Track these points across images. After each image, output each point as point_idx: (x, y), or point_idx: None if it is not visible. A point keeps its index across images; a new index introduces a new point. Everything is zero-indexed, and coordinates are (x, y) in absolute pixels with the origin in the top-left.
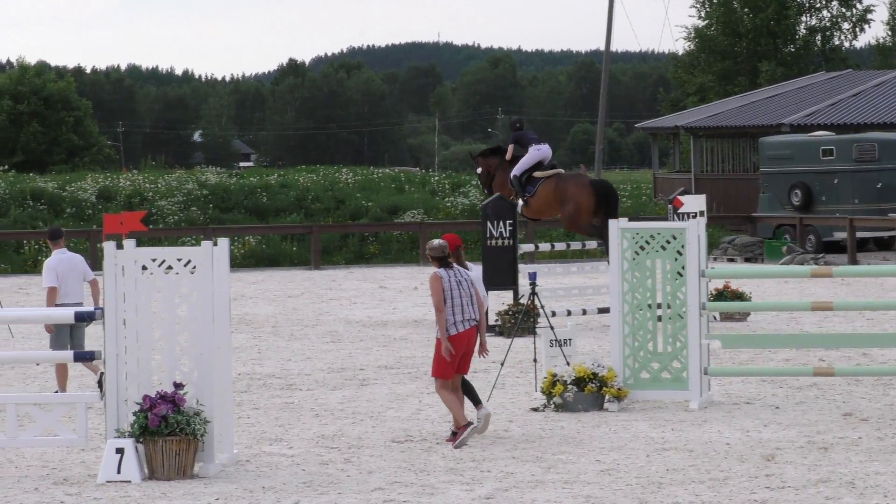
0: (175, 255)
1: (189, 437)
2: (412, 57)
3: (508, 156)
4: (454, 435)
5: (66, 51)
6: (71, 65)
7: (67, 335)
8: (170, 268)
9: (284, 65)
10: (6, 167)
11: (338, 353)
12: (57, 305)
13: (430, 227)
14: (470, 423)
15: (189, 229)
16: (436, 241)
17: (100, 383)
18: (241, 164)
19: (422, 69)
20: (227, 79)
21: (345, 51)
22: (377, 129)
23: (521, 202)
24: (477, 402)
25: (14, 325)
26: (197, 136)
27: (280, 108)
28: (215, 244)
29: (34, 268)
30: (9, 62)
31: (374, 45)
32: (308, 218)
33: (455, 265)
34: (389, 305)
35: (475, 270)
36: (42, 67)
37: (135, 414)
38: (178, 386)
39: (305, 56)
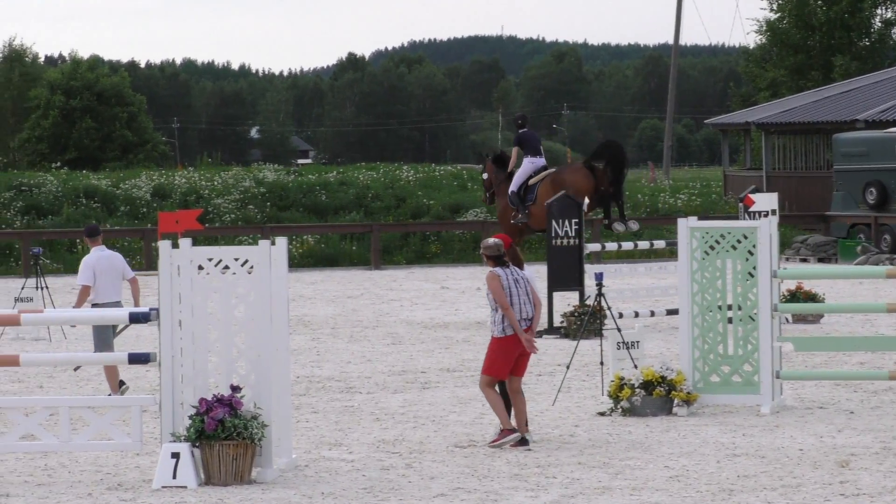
0: (232, 254)
1: (246, 441)
2: (475, 51)
3: (511, 163)
4: (499, 435)
5: (120, 44)
6: (125, 59)
7: (111, 335)
8: (226, 267)
9: (344, 59)
10: (59, 164)
11: (398, 355)
12: (93, 305)
13: (493, 226)
14: (514, 431)
15: (246, 228)
16: (490, 240)
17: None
18: (300, 161)
19: (485, 63)
20: (285, 73)
21: (406, 44)
22: (439, 126)
23: (520, 217)
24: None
25: (67, 326)
26: (254, 133)
27: (339, 104)
28: (273, 243)
29: None
30: (61, 56)
31: (435, 39)
32: (368, 216)
33: (511, 264)
34: (451, 306)
35: (528, 272)
36: (95, 62)
37: (191, 417)
38: (235, 389)
39: (365, 50)
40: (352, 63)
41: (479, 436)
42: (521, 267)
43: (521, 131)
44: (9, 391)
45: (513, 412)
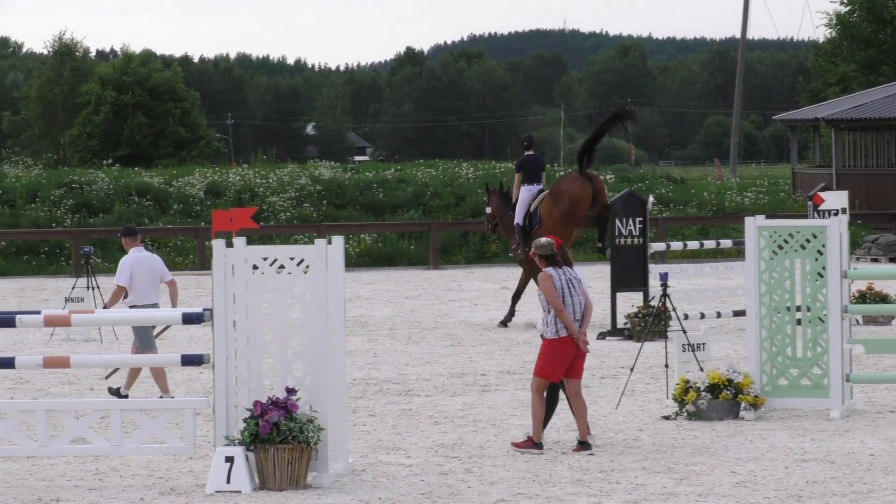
0: (287, 253)
1: (302, 445)
2: (536, 45)
3: (514, 191)
4: (525, 441)
5: (173, 39)
6: (178, 53)
7: (152, 336)
8: (282, 267)
9: (402, 53)
10: (110, 161)
11: (458, 357)
12: (130, 307)
13: None
14: (540, 447)
15: (302, 227)
16: (542, 239)
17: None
18: (356, 157)
19: (546, 58)
20: (342, 68)
21: (465, 38)
22: (499, 122)
23: (520, 252)
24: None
25: (119, 326)
26: (310, 129)
27: (397, 100)
28: (329, 242)
29: None
30: (112, 51)
31: (496, 33)
32: (426, 215)
33: (563, 264)
34: (513, 307)
35: (578, 273)
36: (147, 56)
37: (245, 421)
38: (290, 391)
39: (424, 44)
40: (410, 57)
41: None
42: (569, 264)
43: (525, 154)
44: (59, 393)
45: (553, 416)
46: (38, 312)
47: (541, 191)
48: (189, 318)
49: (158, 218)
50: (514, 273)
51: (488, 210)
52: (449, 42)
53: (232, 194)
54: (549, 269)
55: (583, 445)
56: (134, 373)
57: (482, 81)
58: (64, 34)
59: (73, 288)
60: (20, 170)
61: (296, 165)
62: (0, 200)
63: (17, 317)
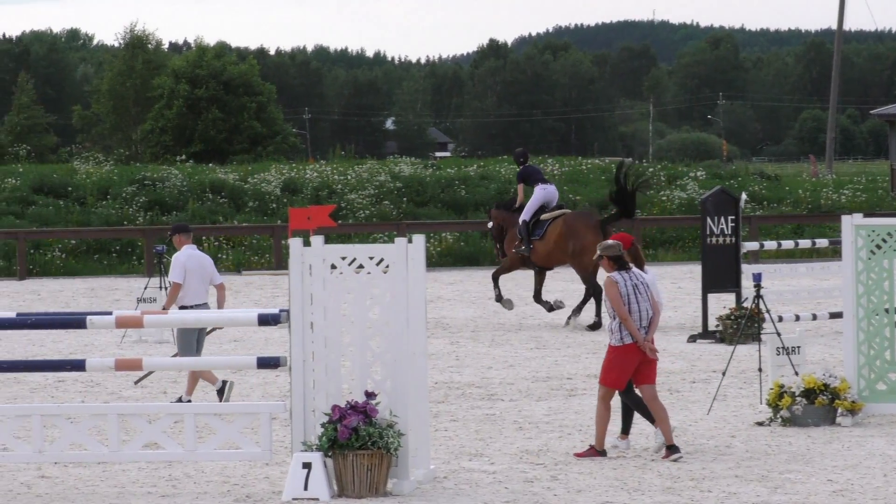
0: (366, 252)
1: (382, 451)
2: (624, 36)
3: (519, 199)
4: (588, 449)
5: (249, 31)
6: (253, 46)
7: (195, 338)
8: (361, 267)
9: (485, 45)
10: (183, 157)
11: (543, 360)
12: (180, 307)
13: (645, 223)
14: (603, 455)
15: (381, 225)
16: (609, 241)
17: (220, 391)
18: (438, 153)
19: (635, 50)
20: (423, 61)
21: (550, 30)
22: (585, 116)
23: (523, 248)
24: (626, 430)
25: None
26: (389, 124)
27: (480, 93)
28: (410, 241)
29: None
30: (186, 43)
31: (582, 24)
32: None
33: (632, 267)
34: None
35: (650, 273)
36: (222, 49)
37: (323, 426)
38: (369, 395)
39: (507, 36)
40: (493, 50)
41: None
42: (641, 267)
43: (522, 167)
44: (131, 397)
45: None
46: (110, 313)
47: (559, 207)
48: (265, 320)
49: (233, 216)
50: (602, 273)
51: (489, 225)
52: (534, 34)
53: (309, 191)
54: (615, 275)
55: (671, 450)
56: (194, 378)
57: (568, 74)
58: (135, 25)
59: (145, 288)
60: (91, 166)
61: (375, 161)
62: (70, 198)
63: (88, 318)
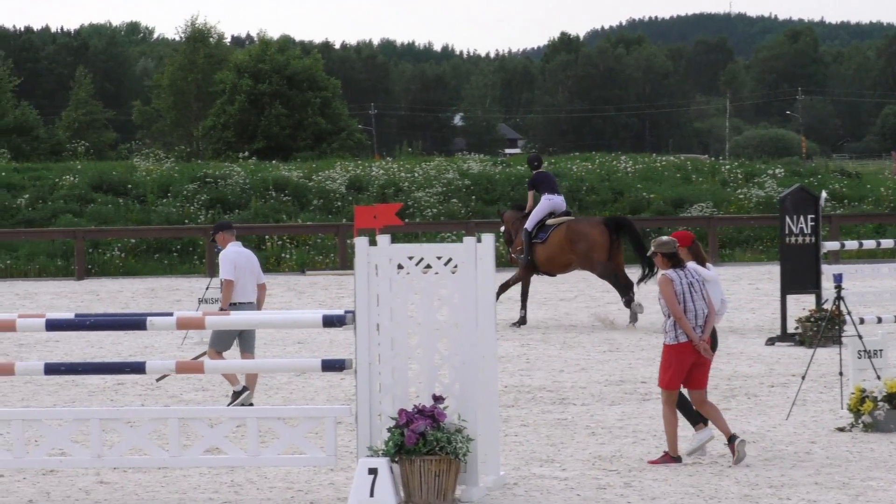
0: (434, 252)
1: (450, 456)
2: (700, 30)
3: (529, 205)
4: (662, 455)
5: (313, 24)
6: (318, 39)
7: (233, 337)
8: (428, 267)
9: (556, 39)
10: (246, 154)
11: (616, 363)
12: (230, 304)
13: (720, 221)
14: (678, 461)
15: (449, 224)
16: (664, 237)
17: (237, 394)
18: (507, 150)
19: (711, 44)
20: (492, 55)
21: (624, 23)
22: (660, 112)
23: (522, 256)
24: (696, 420)
25: (257, 329)
26: (458, 120)
27: (551, 88)
28: (479, 240)
29: (277, 266)
30: (248, 36)
31: (656, 17)
32: (582, 211)
33: (687, 264)
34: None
35: (712, 269)
36: (286, 42)
37: (389, 430)
38: (437, 399)
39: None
40: (565, 43)
41: (706, 455)
42: (703, 265)
43: (535, 172)
44: (192, 400)
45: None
46: (171, 314)
47: (565, 212)
48: (330, 321)
49: (297, 214)
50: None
51: (502, 229)
52: (606, 27)
53: (375, 189)
54: (671, 273)
55: (732, 440)
56: (230, 379)
57: (642, 69)
58: (197, 18)
59: (207, 288)
60: (151, 163)
61: (443, 158)
62: (130, 196)
63: (148, 319)
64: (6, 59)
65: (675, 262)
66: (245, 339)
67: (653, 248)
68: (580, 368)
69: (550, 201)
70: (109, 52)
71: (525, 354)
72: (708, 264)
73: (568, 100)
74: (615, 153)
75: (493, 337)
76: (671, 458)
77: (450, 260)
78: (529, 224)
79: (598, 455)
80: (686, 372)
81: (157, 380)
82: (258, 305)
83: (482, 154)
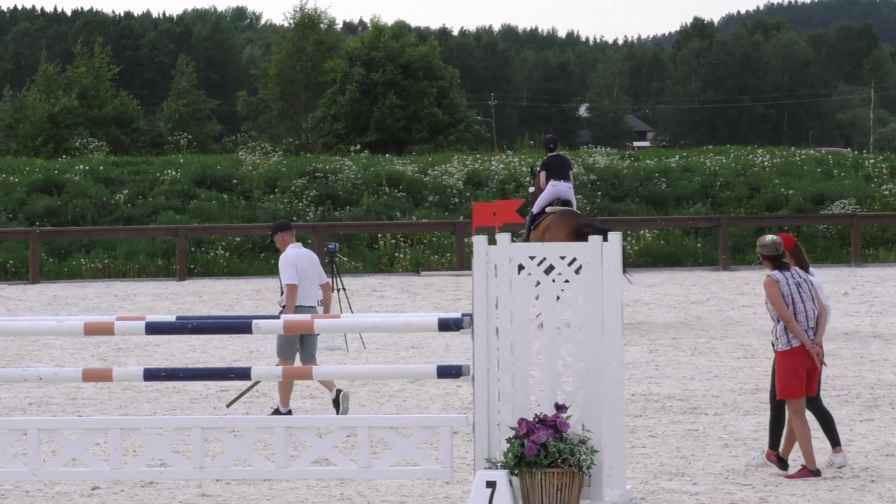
0: (557, 251)
1: (573, 469)
2: (843, 15)
3: (538, 186)
4: (800, 469)
5: (430, 9)
6: (434, 25)
7: (297, 343)
8: (551, 267)
9: (688, 25)
10: (357, 147)
11: (752, 370)
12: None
13: (864, 219)
14: (818, 475)
15: None
16: (768, 238)
17: (336, 402)
18: (636, 143)
19: (854, 30)
20: (620, 42)
21: (761, 7)
22: (799, 102)
23: (521, 240)
24: (835, 442)
25: (367, 333)
26: (583, 111)
27: (683, 77)
28: (605, 239)
29: (390, 266)
30: (361, 22)
31: (796, 1)
32: (715, 209)
33: (792, 267)
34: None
35: (817, 275)
36: (400, 29)
37: (509, 441)
38: (559, 408)
39: (713, 14)
40: (698, 29)
41: (845, 467)
42: (806, 270)
43: (549, 155)
44: (300, 408)
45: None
46: (278, 317)
47: (566, 202)
48: (446, 325)
49: (412, 211)
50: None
51: (532, 189)
52: (742, 12)
53: (495, 184)
54: (776, 273)
55: (782, 462)
56: (287, 387)
57: (780, 56)
58: (306, 4)
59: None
60: (258, 157)
61: (567, 152)
62: (235, 191)
63: (254, 322)
64: (105, 47)
65: (778, 264)
66: (306, 347)
67: (757, 249)
68: (712, 376)
69: (555, 187)
70: (213, 38)
71: (653, 360)
72: (811, 269)
73: (701, 89)
74: (751, 146)
75: (619, 342)
76: (810, 471)
77: (574, 260)
78: (536, 208)
79: (731, 468)
80: (805, 376)
81: (228, 405)
82: (325, 306)
83: (609, 147)
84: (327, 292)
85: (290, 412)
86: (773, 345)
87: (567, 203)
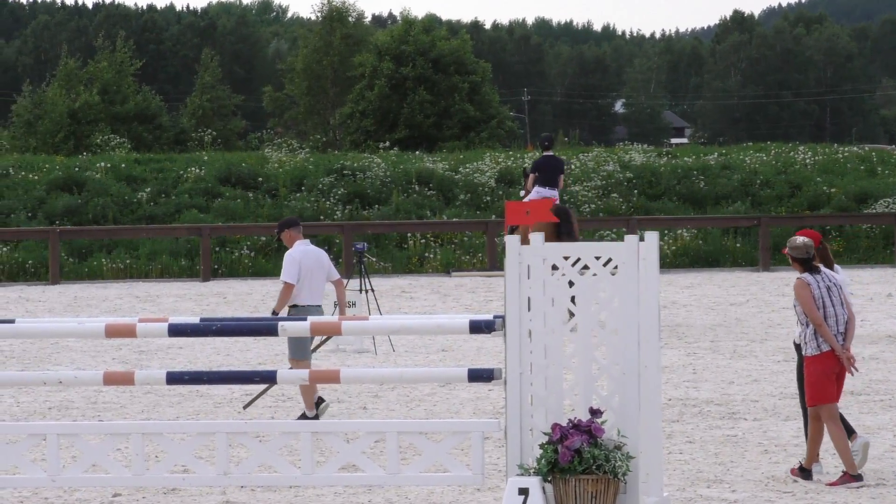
0: (592, 251)
1: (608, 475)
2: (887, 7)
3: (527, 188)
4: (842, 476)
5: (461, 2)
6: (466, 19)
7: (309, 343)
8: (586, 268)
9: (728, 18)
10: (387, 144)
11: (792, 374)
12: (292, 308)
13: None
14: (859, 479)
15: (609, 220)
16: (798, 239)
17: (315, 404)
18: (673, 140)
19: None
20: (657, 35)
21: (803, 0)
22: (842, 98)
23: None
24: (849, 430)
25: (396, 336)
26: (619, 106)
27: (722, 72)
28: (642, 239)
29: (420, 266)
30: (391, 15)
31: None
32: (755, 207)
33: (822, 267)
34: (857, 317)
35: (841, 273)
36: (431, 22)
37: (542, 446)
38: (594, 413)
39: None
40: (738, 23)
41: (890, 473)
42: (830, 267)
43: (543, 154)
44: (327, 413)
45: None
46: (304, 319)
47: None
48: (477, 327)
49: (442, 210)
50: (860, 275)
51: (521, 193)
52: (784, 4)
53: None
54: (806, 276)
55: (804, 471)
56: (311, 390)
57: (823, 50)
58: None
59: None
60: (284, 154)
61: (602, 149)
62: (261, 189)
63: (280, 324)
64: (127, 41)
65: (808, 267)
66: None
67: (787, 250)
68: (752, 380)
69: (538, 195)
70: (239, 32)
71: (691, 364)
72: (836, 266)
73: (741, 84)
74: (793, 143)
75: (656, 345)
76: (851, 476)
77: (609, 260)
78: None
79: (771, 475)
80: (835, 380)
81: (245, 406)
82: (340, 302)
83: (646, 144)
84: (340, 289)
85: (316, 417)
86: (798, 349)
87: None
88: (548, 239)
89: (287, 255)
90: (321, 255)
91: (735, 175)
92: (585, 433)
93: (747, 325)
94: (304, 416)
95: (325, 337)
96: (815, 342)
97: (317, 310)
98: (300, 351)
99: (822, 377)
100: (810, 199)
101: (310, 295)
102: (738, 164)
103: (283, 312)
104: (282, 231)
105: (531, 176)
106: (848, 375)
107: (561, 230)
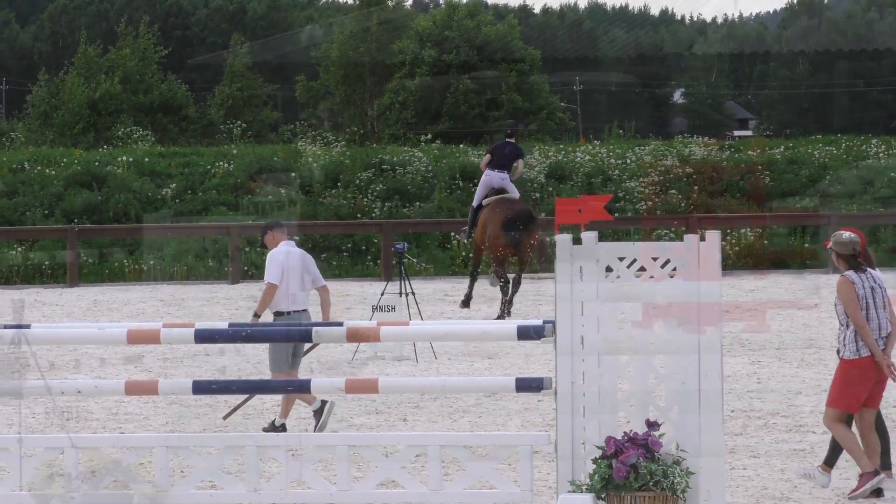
0: (649, 252)
1: (667, 492)
2: None
3: (483, 166)
4: (861, 478)
5: None
6: (514, 2)
7: (289, 354)
8: (642, 269)
9: (795, 2)
10: (429, 137)
11: None
12: (275, 314)
13: None
14: (876, 473)
15: (667, 218)
16: (845, 235)
17: (318, 412)
18: (736, 132)
19: None
20: (719, 20)
21: None
22: None
23: (464, 235)
24: (886, 465)
25: (438, 343)
26: (678, 97)
27: (789, 60)
28: (702, 238)
29: (464, 268)
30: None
31: None
32: (825, 204)
33: (867, 268)
34: None
35: (880, 274)
36: (476, 6)
37: (595, 461)
38: (651, 425)
39: None
40: (806, 7)
41: None
42: (872, 266)
43: (504, 140)
44: (365, 425)
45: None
46: (340, 324)
47: (500, 190)
48: (526, 333)
49: None
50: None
51: None
52: None
53: (580, 178)
54: (851, 274)
55: (876, 473)
56: (290, 399)
57: None
58: None
59: (381, 294)
60: (318, 147)
61: (660, 142)
62: (294, 185)
63: (314, 329)
64: (151, 27)
65: (853, 265)
66: (295, 359)
67: (831, 245)
68: (821, 390)
69: (488, 178)
70: (270, 17)
71: (756, 373)
72: (877, 268)
73: (809, 73)
74: (865, 136)
75: (717, 353)
76: (870, 474)
77: (667, 262)
78: (475, 200)
79: (840, 492)
80: (869, 390)
81: (225, 417)
82: (324, 310)
83: (707, 137)
84: (325, 295)
85: (284, 427)
86: (838, 352)
87: (502, 191)
88: (495, 235)
89: (270, 255)
90: (306, 257)
91: (803, 170)
92: (642, 447)
93: (816, 331)
94: (272, 426)
95: (312, 343)
96: (855, 345)
97: (303, 315)
98: (278, 364)
99: (855, 383)
100: (884, 195)
101: (293, 300)
102: (806, 157)
103: (268, 316)
104: (265, 233)
105: (485, 158)
106: (890, 382)
107: (514, 236)
